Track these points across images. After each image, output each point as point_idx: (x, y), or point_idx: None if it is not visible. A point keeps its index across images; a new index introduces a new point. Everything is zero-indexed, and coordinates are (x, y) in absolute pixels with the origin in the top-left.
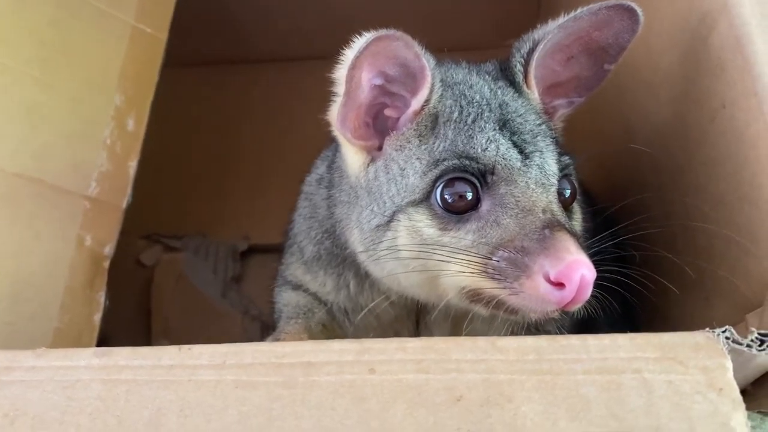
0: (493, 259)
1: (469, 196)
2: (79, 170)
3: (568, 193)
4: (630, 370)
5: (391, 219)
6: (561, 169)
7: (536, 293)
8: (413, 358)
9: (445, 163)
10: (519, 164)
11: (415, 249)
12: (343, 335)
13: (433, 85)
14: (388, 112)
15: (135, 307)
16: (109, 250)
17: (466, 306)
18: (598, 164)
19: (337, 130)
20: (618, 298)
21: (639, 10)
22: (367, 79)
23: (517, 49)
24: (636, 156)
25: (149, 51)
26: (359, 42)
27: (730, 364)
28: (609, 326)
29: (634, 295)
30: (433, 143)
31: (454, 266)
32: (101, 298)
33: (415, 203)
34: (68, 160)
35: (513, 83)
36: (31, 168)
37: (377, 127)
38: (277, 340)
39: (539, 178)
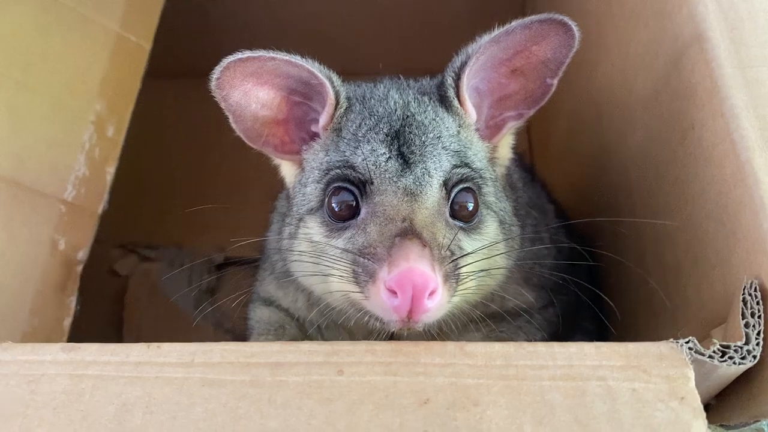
0: (354, 265)
1: (353, 204)
2: (56, 174)
3: (471, 206)
4: (595, 377)
5: (297, 227)
6: (459, 180)
7: (378, 300)
8: (382, 360)
9: (332, 172)
10: (394, 174)
11: (310, 255)
12: None
13: (337, 101)
14: (314, 126)
15: (107, 317)
16: (82, 255)
17: (354, 313)
18: (573, 183)
19: (253, 146)
20: (591, 315)
21: (573, 25)
22: (256, 96)
23: (450, 64)
24: (610, 176)
25: (133, 59)
26: (217, 67)
27: (692, 374)
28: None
29: (605, 313)
30: (332, 155)
31: (332, 271)
32: (72, 303)
33: (312, 211)
34: (46, 164)
35: (443, 97)
36: (8, 169)
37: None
38: None
39: (410, 187)
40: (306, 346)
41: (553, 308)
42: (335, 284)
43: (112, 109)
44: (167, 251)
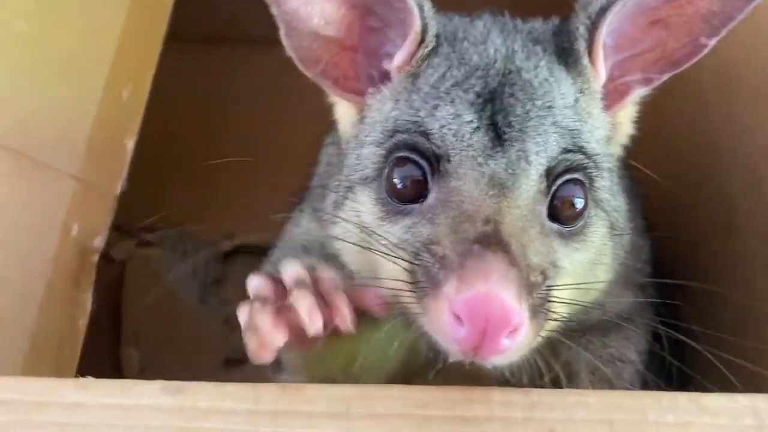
0: (415, 263)
1: (421, 181)
2: (67, 145)
3: (579, 203)
4: None
5: (345, 196)
6: (567, 169)
7: (439, 322)
8: (600, 417)
9: (398, 136)
10: (481, 153)
11: (356, 238)
12: None
13: (423, 37)
14: (387, 63)
15: (101, 308)
16: (98, 242)
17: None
18: (660, 184)
19: (306, 73)
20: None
21: None
22: (321, 8)
23: (583, 7)
24: (721, 180)
25: (153, 14)
26: None
27: None
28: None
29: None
30: (402, 109)
31: (384, 265)
32: (88, 300)
33: (365, 181)
34: (55, 133)
35: (566, 50)
36: (11, 138)
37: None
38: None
39: (500, 176)
40: (497, 394)
41: (649, 309)
42: (385, 281)
43: (132, 72)
44: (169, 235)
